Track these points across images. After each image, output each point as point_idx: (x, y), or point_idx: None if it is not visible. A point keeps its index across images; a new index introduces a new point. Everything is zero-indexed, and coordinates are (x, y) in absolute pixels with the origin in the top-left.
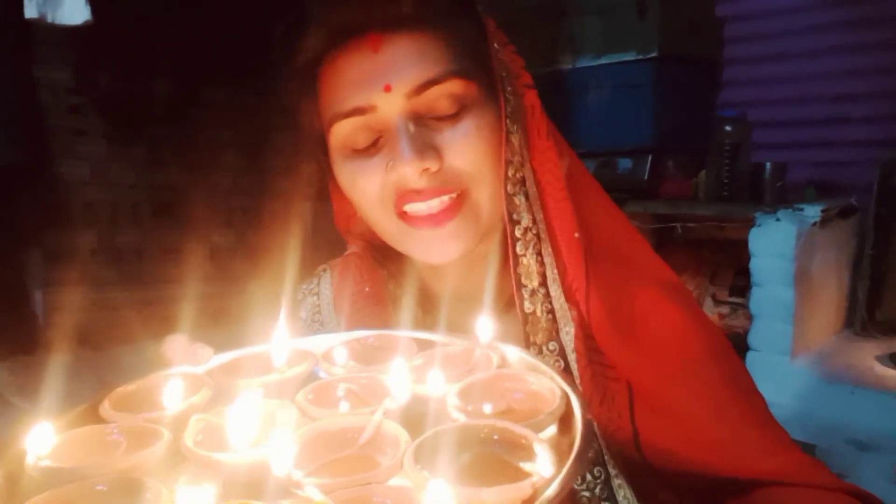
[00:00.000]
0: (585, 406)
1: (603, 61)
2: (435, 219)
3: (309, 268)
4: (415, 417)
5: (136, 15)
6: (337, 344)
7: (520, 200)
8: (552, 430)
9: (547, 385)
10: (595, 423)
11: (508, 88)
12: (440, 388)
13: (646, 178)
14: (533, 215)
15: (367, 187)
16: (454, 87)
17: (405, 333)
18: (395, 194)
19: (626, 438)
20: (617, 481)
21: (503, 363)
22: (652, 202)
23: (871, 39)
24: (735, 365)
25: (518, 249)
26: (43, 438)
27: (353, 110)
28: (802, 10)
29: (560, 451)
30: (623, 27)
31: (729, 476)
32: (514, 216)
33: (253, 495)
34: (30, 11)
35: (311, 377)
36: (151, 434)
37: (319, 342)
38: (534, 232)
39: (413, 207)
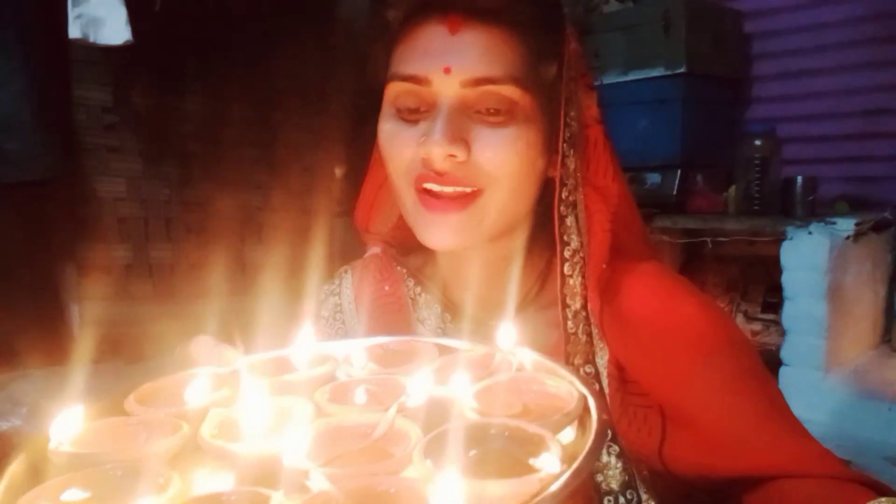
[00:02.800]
0: (603, 408)
1: (630, 77)
2: (443, 206)
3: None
4: (431, 418)
5: (169, 35)
6: (357, 348)
7: (571, 222)
8: (570, 433)
9: (565, 388)
10: (625, 449)
11: (572, 114)
12: (457, 389)
13: (674, 192)
14: (581, 239)
15: (399, 151)
16: (509, 92)
17: (426, 339)
18: (420, 170)
19: (651, 452)
20: None
21: (522, 368)
22: (681, 217)
23: None
24: (750, 356)
25: (566, 270)
26: (68, 425)
27: (411, 77)
28: (830, 26)
29: (575, 453)
30: (649, 43)
31: (744, 473)
32: (565, 237)
33: (266, 487)
34: (73, 32)
35: (331, 379)
36: (172, 427)
37: (340, 347)
38: (581, 255)
39: (431, 187)
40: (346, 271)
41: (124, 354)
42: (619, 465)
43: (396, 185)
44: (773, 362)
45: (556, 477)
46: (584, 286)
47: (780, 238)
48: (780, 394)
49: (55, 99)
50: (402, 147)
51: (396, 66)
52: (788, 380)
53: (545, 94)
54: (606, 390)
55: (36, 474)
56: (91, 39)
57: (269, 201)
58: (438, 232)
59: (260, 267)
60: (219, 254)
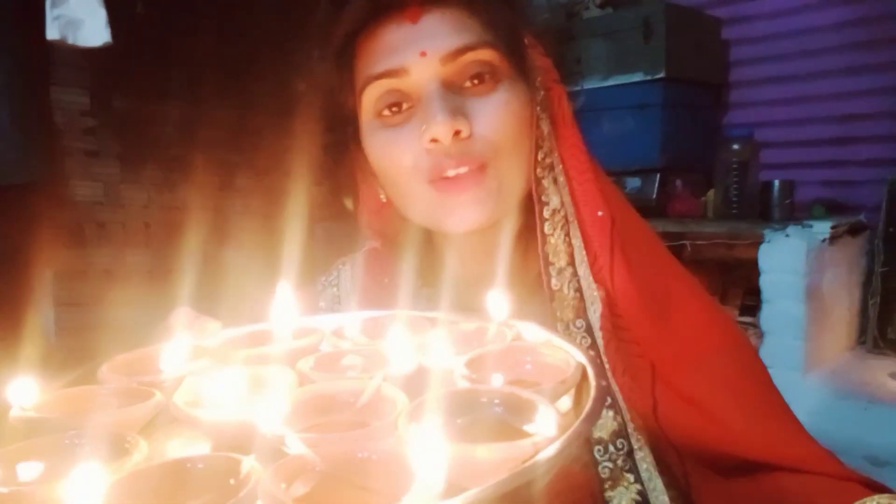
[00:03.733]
0: (601, 374)
1: (611, 82)
2: (461, 184)
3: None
4: (420, 388)
5: (149, 38)
6: (346, 322)
7: (548, 183)
8: (567, 402)
9: (561, 356)
10: (620, 396)
11: (539, 79)
12: (448, 358)
13: (654, 196)
14: (561, 198)
15: (400, 156)
16: (488, 55)
17: (418, 314)
18: (430, 162)
19: (647, 410)
20: (640, 454)
21: (518, 339)
22: (660, 221)
23: (879, 60)
24: (754, 359)
25: (546, 229)
26: (26, 391)
27: (386, 72)
28: (808, 32)
29: (571, 421)
30: (630, 49)
31: (742, 455)
32: (543, 198)
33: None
34: (52, 33)
35: (316, 351)
36: (145, 396)
37: (328, 320)
38: (562, 214)
39: (448, 174)
40: (343, 264)
41: (102, 360)
42: (610, 414)
43: (405, 189)
44: None
45: (551, 440)
46: (569, 244)
47: (758, 241)
48: (779, 392)
49: (33, 102)
50: (401, 150)
51: (366, 70)
52: None
53: (516, 60)
54: (600, 343)
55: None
56: (70, 41)
57: (249, 206)
58: (463, 212)
59: (240, 271)
60: (198, 258)
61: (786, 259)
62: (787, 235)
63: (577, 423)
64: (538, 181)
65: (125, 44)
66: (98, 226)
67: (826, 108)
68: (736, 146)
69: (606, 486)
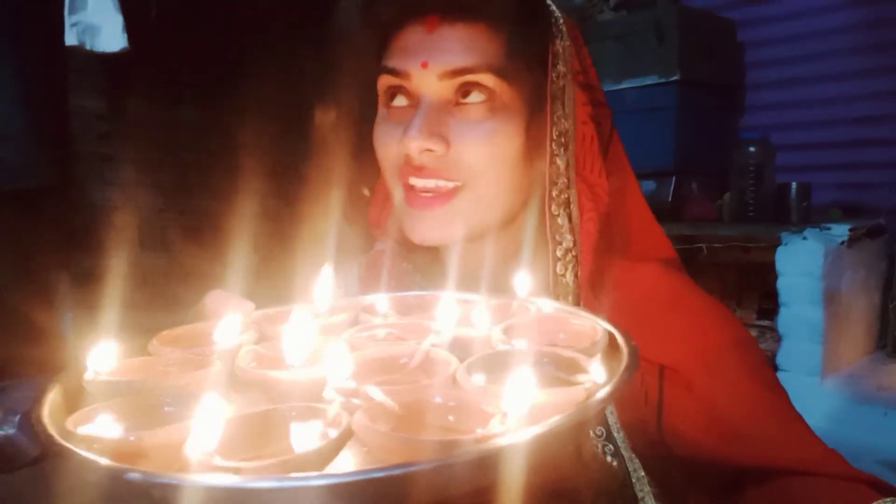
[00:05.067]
0: (628, 336)
1: (624, 85)
2: (425, 201)
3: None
4: (463, 352)
5: (164, 43)
6: (376, 300)
7: (563, 221)
8: (597, 364)
9: (589, 324)
10: (613, 409)
11: (561, 112)
12: (484, 328)
13: (669, 200)
14: (574, 237)
15: (386, 148)
16: (487, 80)
17: (444, 294)
18: (404, 166)
19: (650, 419)
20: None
21: (541, 312)
22: (676, 224)
23: (894, 62)
24: (757, 357)
25: (558, 269)
26: (104, 356)
27: (393, 70)
28: (823, 34)
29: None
30: (643, 52)
31: (749, 463)
32: (556, 237)
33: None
34: (70, 39)
35: (355, 324)
36: (203, 364)
37: (359, 300)
38: (573, 254)
39: (413, 181)
40: (352, 266)
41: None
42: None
43: (388, 181)
44: None
45: (601, 386)
46: (577, 284)
47: (774, 244)
48: (786, 393)
49: (50, 107)
50: (388, 144)
51: (384, 60)
52: (785, 385)
53: (530, 89)
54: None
55: (71, 404)
56: (88, 47)
57: (265, 209)
58: (422, 227)
59: (256, 275)
60: (214, 262)
61: (803, 262)
62: (805, 238)
63: (621, 370)
64: (552, 218)
65: (139, 49)
66: (114, 230)
67: (842, 111)
68: (751, 149)
69: None
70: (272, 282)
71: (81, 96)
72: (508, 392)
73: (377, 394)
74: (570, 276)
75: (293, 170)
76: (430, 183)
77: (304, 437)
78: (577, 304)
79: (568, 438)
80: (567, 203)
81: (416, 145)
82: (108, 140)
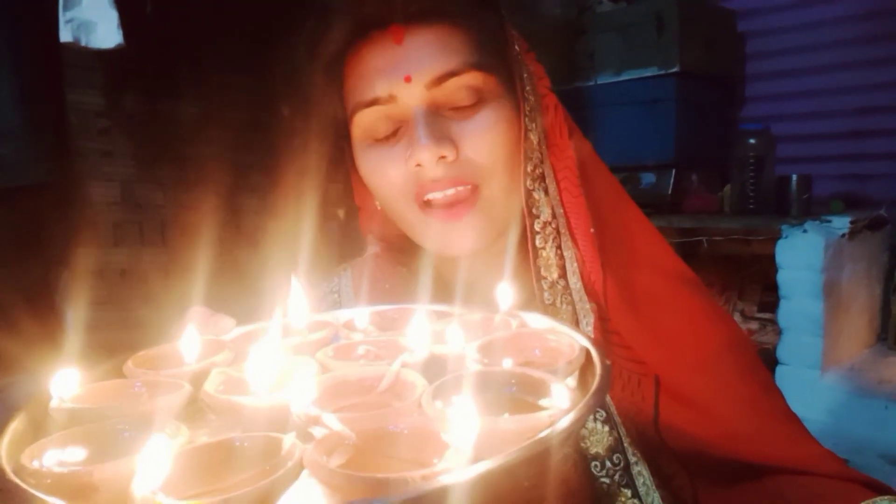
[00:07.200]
0: (603, 354)
1: (624, 77)
2: (453, 210)
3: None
4: (434, 373)
5: (162, 38)
6: (356, 315)
7: (539, 195)
8: (572, 383)
9: (566, 342)
10: (615, 410)
11: (528, 88)
12: (459, 346)
13: (669, 192)
14: (552, 210)
15: (389, 176)
16: (473, 79)
17: (424, 307)
18: (417, 185)
19: (646, 420)
20: (636, 468)
21: (523, 327)
22: (676, 217)
23: (894, 53)
24: (752, 359)
25: (538, 242)
26: (68, 383)
27: (375, 100)
28: (823, 24)
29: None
30: (643, 43)
31: (745, 459)
32: (534, 210)
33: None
34: (65, 36)
35: (332, 342)
36: (173, 387)
37: (338, 315)
38: (553, 226)
39: (433, 196)
40: (345, 269)
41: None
42: (606, 429)
43: (395, 209)
44: (769, 361)
45: (566, 412)
46: (560, 256)
47: (775, 237)
48: (780, 393)
49: (48, 103)
50: (390, 170)
51: (355, 95)
52: (785, 378)
53: (504, 74)
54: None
55: (38, 431)
56: (83, 43)
57: (264, 205)
58: (456, 239)
59: (256, 270)
60: (214, 257)
61: (804, 255)
62: (805, 231)
63: (588, 396)
64: (528, 193)
65: (137, 44)
66: (114, 225)
67: (843, 102)
68: (752, 140)
69: (604, 502)
70: (273, 279)
71: (79, 92)
72: (460, 423)
73: (334, 423)
74: (551, 249)
75: (295, 165)
76: (449, 192)
77: (255, 470)
78: (561, 275)
79: (526, 471)
80: (542, 177)
81: (430, 154)
82: (107, 136)
